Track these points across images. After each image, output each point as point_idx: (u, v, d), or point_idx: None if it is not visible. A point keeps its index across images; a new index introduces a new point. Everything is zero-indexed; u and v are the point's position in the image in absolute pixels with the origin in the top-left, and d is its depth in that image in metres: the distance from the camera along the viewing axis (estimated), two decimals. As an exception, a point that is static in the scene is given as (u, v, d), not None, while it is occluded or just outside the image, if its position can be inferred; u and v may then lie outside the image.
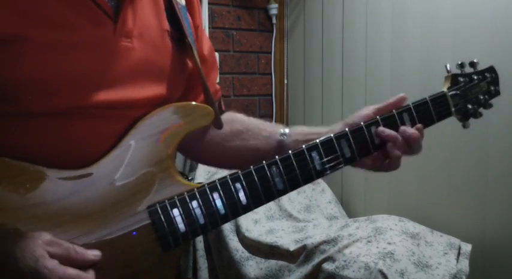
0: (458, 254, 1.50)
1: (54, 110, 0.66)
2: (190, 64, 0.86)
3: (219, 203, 0.72)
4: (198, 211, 0.71)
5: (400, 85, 1.79)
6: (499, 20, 1.47)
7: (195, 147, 0.90)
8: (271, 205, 1.93)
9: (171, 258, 0.73)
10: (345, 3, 2.06)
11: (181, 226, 0.71)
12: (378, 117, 0.80)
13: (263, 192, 0.74)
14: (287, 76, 2.44)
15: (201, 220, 0.72)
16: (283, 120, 2.45)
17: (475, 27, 1.54)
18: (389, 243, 1.47)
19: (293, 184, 0.76)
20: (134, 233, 0.70)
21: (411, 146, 0.81)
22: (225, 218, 0.73)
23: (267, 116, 2.45)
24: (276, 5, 2.36)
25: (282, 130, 0.86)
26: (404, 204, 1.84)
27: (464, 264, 1.47)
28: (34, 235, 0.61)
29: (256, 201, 0.75)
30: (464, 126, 0.90)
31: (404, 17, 1.79)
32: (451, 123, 1.62)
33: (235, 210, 0.74)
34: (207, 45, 0.94)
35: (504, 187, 1.51)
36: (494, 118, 1.52)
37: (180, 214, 0.71)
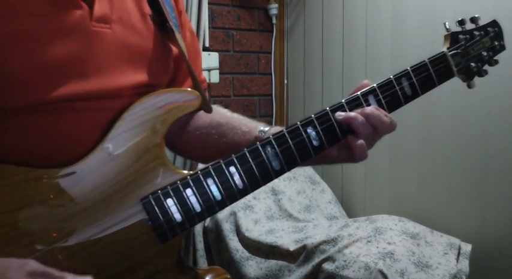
0: (458, 254, 1.50)
1: (34, 105, 0.64)
2: (174, 49, 0.82)
3: (214, 189, 0.70)
4: (193, 199, 0.69)
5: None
6: (500, 20, 1.47)
7: (175, 139, 0.88)
8: (271, 204, 1.93)
9: (171, 248, 0.71)
10: (345, 3, 2.06)
11: (177, 215, 0.69)
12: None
13: (259, 174, 0.72)
14: (287, 76, 2.44)
15: (197, 208, 0.69)
16: (283, 120, 2.45)
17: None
18: (389, 243, 1.47)
19: (290, 162, 0.73)
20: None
21: (375, 126, 0.73)
22: (222, 204, 0.71)
23: (267, 116, 2.45)
24: (276, 5, 2.36)
25: (261, 128, 0.83)
26: (404, 204, 1.84)
27: (464, 264, 1.47)
28: (18, 265, 0.58)
29: (253, 184, 0.72)
30: (469, 86, 0.83)
31: (404, 17, 1.79)
32: (451, 122, 1.63)
33: (232, 195, 0.71)
34: (188, 30, 0.90)
35: (504, 187, 1.51)
36: (495, 118, 1.52)
37: (175, 204, 0.69)
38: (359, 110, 0.74)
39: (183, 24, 0.87)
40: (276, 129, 0.82)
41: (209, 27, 2.21)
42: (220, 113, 0.90)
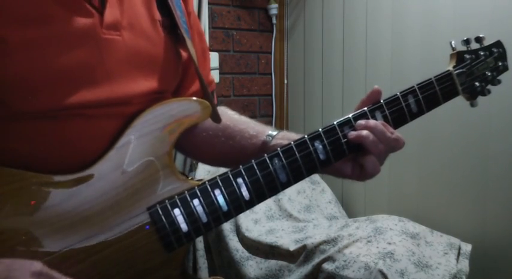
0: (458, 254, 1.50)
1: (43, 111, 0.64)
2: (184, 54, 0.82)
3: (221, 200, 0.70)
4: (200, 210, 0.69)
5: (401, 86, 1.79)
6: (499, 20, 1.47)
7: (182, 140, 0.89)
8: (271, 204, 1.93)
9: (175, 258, 0.71)
10: (345, 3, 2.06)
11: (183, 225, 0.69)
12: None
13: (266, 186, 0.72)
14: (287, 76, 2.44)
15: (204, 219, 0.70)
16: (283, 120, 2.45)
17: (475, 27, 1.54)
18: (389, 243, 1.47)
19: (296, 175, 0.74)
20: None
21: (390, 144, 0.74)
22: (229, 215, 0.71)
23: (267, 116, 2.45)
24: (276, 5, 2.36)
25: (269, 132, 0.83)
26: (404, 204, 1.84)
27: (464, 264, 1.47)
28: (23, 265, 0.58)
29: (259, 195, 0.72)
30: (472, 105, 0.85)
31: (404, 17, 1.79)
32: (451, 122, 1.63)
33: (238, 206, 0.71)
34: (197, 32, 0.90)
35: (504, 187, 1.51)
36: (495, 118, 1.52)
37: (182, 214, 0.69)
38: (363, 122, 0.74)
39: (191, 25, 0.87)
40: (284, 134, 0.82)
41: (209, 27, 2.20)
42: (228, 115, 0.89)
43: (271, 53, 2.42)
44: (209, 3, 2.16)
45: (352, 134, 0.74)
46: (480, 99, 1.42)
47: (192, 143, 0.88)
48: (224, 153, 0.85)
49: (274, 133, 0.82)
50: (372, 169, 0.74)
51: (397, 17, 1.82)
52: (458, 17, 1.59)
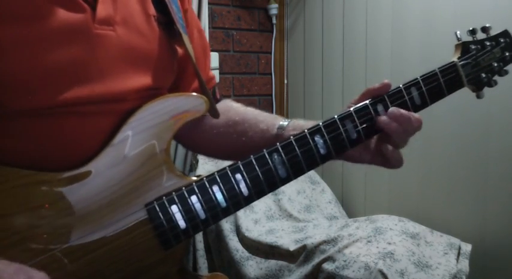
0: (458, 254, 1.50)
1: (38, 109, 0.63)
2: (180, 50, 0.81)
3: (219, 196, 0.69)
4: (198, 206, 0.69)
5: (400, 85, 1.79)
6: (500, 20, 1.47)
7: (190, 137, 0.86)
8: (271, 204, 1.93)
9: (174, 255, 0.71)
10: (345, 3, 2.06)
11: (181, 222, 0.68)
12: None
13: (265, 182, 0.71)
14: (287, 76, 2.44)
15: (202, 215, 0.69)
16: (283, 120, 2.45)
17: (475, 27, 1.53)
18: (389, 243, 1.47)
19: (296, 170, 0.72)
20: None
21: (407, 130, 0.75)
22: (227, 212, 0.70)
23: (267, 116, 2.45)
24: (276, 5, 2.36)
25: (279, 124, 0.81)
26: (404, 204, 1.84)
27: (464, 264, 1.46)
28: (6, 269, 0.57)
29: (258, 191, 0.71)
30: (478, 96, 0.83)
31: (404, 16, 1.79)
32: (451, 122, 1.63)
33: (237, 202, 0.70)
34: (196, 29, 0.89)
35: (504, 187, 1.51)
36: (495, 118, 1.52)
37: (180, 210, 0.68)
38: (396, 111, 0.73)
39: (189, 22, 0.86)
40: (294, 124, 0.81)
41: (209, 27, 2.21)
42: (235, 109, 0.88)
43: (271, 53, 2.42)
44: (209, 3, 2.16)
45: (384, 121, 0.73)
46: (480, 99, 1.42)
47: (200, 140, 0.88)
48: (236, 149, 0.84)
49: (285, 123, 0.81)
50: (396, 163, 0.75)
51: (397, 16, 1.82)
52: (458, 17, 1.59)
